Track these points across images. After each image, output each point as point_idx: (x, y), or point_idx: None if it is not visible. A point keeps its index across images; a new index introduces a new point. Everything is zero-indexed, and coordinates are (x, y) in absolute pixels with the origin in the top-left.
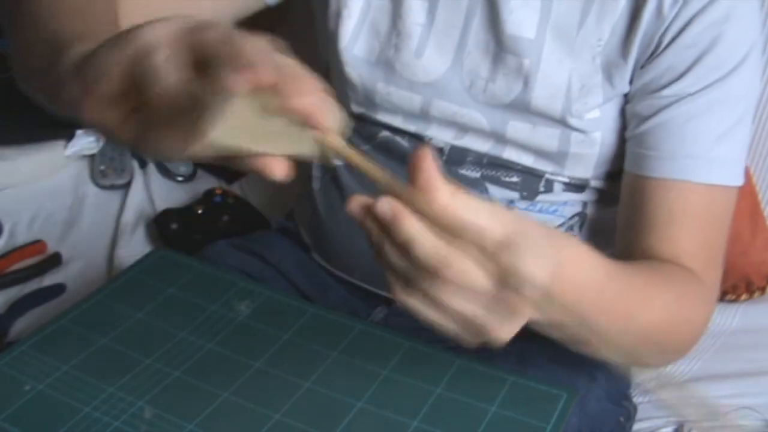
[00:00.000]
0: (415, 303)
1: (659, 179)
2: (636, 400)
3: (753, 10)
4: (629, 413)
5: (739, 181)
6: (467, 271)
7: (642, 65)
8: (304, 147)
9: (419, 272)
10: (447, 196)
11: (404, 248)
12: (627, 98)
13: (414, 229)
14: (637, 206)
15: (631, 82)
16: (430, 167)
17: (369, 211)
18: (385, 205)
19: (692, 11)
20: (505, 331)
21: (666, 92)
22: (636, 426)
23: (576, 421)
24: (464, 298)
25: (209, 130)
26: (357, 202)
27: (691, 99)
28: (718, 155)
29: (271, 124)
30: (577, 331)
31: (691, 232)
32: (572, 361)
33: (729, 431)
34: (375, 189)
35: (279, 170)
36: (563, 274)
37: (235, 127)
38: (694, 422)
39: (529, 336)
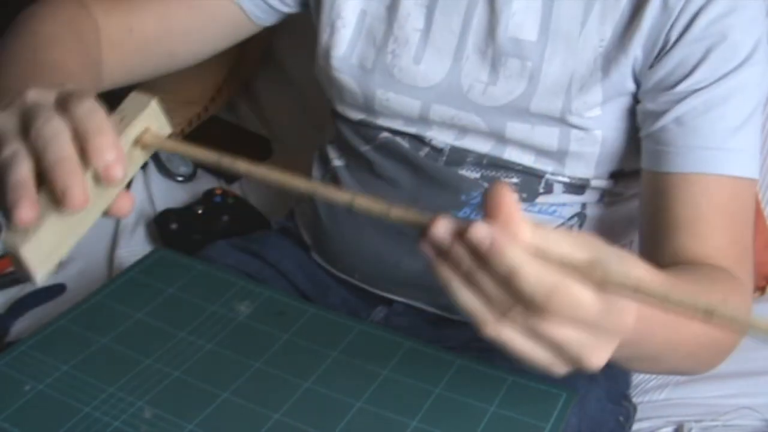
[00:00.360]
0: (509, 335)
1: (681, 174)
2: (636, 400)
3: (757, 1)
4: (629, 413)
5: (757, 173)
6: (577, 296)
7: (651, 65)
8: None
9: (521, 303)
10: (529, 230)
11: (505, 278)
12: (637, 98)
13: (519, 257)
14: (662, 206)
15: (637, 81)
16: (510, 201)
17: (460, 236)
18: (483, 231)
19: (698, 3)
20: (602, 353)
21: (679, 88)
22: (636, 426)
23: (575, 421)
24: (568, 324)
25: (34, 275)
26: (444, 226)
27: (704, 91)
28: (735, 146)
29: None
30: (644, 345)
31: (721, 228)
32: None
33: (729, 431)
34: (373, 189)
35: (126, 208)
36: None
37: (51, 246)
38: (694, 422)
39: None
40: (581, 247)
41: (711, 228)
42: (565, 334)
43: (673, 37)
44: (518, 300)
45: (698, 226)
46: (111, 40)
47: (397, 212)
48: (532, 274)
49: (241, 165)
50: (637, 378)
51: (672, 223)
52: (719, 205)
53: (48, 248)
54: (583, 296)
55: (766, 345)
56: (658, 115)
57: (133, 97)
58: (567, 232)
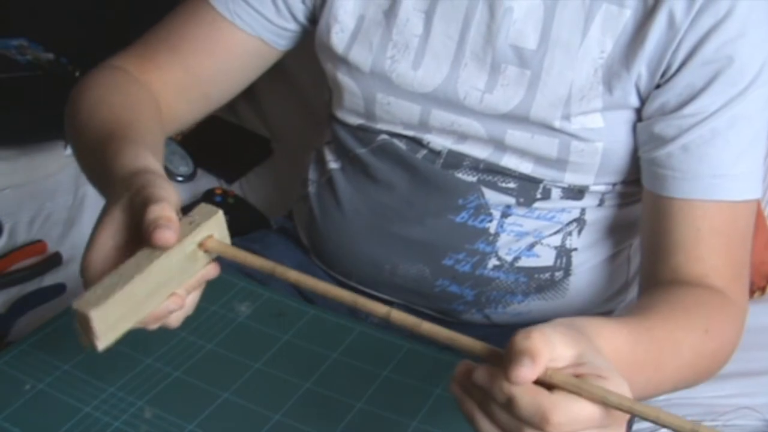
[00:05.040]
0: None
1: (684, 200)
2: None
3: (766, 22)
4: None
5: (759, 193)
6: (574, 410)
7: (657, 84)
8: (192, 269)
9: (527, 425)
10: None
11: (506, 405)
12: (640, 116)
13: (511, 387)
14: (663, 227)
15: (641, 98)
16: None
17: (469, 377)
18: (482, 373)
19: (707, 25)
20: None
21: (687, 111)
22: (636, 426)
23: None
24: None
25: (97, 343)
26: (462, 368)
27: (713, 118)
28: (741, 171)
29: (145, 284)
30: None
31: (718, 250)
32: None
33: (729, 431)
34: (368, 192)
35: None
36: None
37: (117, 318)
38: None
39: None
40: (570, 345)
41: (708, 251)
42: None
43: (679, 58)
44: (523, 422)
45: (697, 249)
46: (155, 94)
47: (429, 327)
48: (526, 398)
49: (292, 274)
50: None
51: (672, 245)
52: (718, 229)
53: (114, 320)
54: (580, 409)
55: (766, 345)
56: (665, 140)
57: (202, 207)
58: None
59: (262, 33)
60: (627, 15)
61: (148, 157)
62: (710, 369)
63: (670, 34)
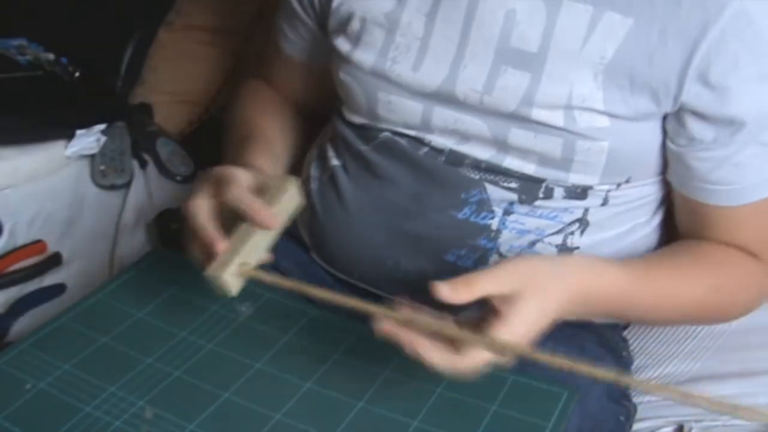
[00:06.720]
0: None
1: (728, 207)
2: (636, 400)
3: None
4: (629, 413)
5: None
6: (426, 356)
7: (697, 113)
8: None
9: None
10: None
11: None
12: (647, 118)
13: (390, 333)
14: (699, 222)
15: (664, 108)
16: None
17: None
18: (379, 326)
19: (739, 78)
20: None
21: (738, 137)
22: (636, 426)
23: (576, 420)
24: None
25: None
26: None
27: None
28: None
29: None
30: (609, 316)
31: (754, 231)
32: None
33: (729, 431)
34: (370, 189)
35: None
36: (576, 295)
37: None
38: (694, 422)
39: None
40: (503, 283)
41: (746, 234)
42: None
43: (711, 110)
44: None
45: (735, 234)
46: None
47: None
48: (407, 349)
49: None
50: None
51: (709, 233)
52: (757, 225)
53: (235, 269)
54: (433, 357)
55: (767, 345)
56: (717, 162)
57: (278, 183)
58: (495, 271)
59: (297, 54)
60: (630, 24)
61: (257, 158)
62: (720, 315)
63: (682, 57)
